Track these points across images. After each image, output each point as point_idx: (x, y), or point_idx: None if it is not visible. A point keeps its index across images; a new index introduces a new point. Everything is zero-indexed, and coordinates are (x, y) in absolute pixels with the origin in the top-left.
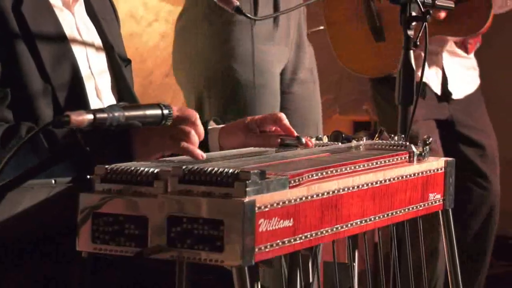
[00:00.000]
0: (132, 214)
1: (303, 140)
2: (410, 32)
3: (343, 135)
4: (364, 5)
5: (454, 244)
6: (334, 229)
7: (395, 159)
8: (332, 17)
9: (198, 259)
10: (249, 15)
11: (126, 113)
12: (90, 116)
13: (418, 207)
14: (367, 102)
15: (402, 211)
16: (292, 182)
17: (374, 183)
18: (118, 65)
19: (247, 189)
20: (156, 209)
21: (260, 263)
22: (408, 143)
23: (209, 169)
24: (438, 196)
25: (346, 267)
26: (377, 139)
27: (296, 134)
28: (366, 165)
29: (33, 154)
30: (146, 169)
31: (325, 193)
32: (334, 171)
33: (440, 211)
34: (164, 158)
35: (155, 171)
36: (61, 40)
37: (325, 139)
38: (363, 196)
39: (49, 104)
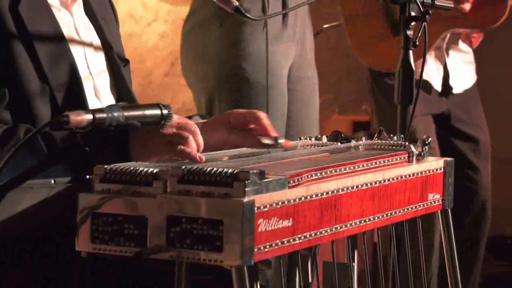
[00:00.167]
0: (132, 214)
1: (281, 140)
2: (410, 32)
3: (343, 135)
4: None
5: (453, 244)
6: (334, 229)
7: (394, 159)
8: (350, 11)
9: (197, 259)
10: (248, 15)
11: (126, 113)
12: (89, 116)
13: (417, 207)
14: (366, 102)
15: (401, 211)
16: (291, 182)
17: (373, 183)
18: (117, 65)
19: (246, 189)
20: (155, 209)
21: (259, 263)
22: (407, 143)
23: (208, 169)
24: (438, 196)
25: (345, 267)
26: (376, 139)
27: (274, 134)
28: (365, 165)
29: (31, 156)
30: (146, 169)
31: (324, 193)
32: (333, 171)
33: (439, 211)
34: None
35: (155, 171)
36: (59, 40)
37: (325, 139)
38: (362, 196)
39: (47, 104)
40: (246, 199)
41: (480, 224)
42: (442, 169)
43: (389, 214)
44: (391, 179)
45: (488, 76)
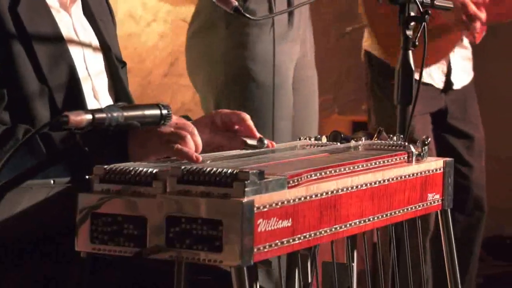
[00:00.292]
0: (131, 214)
1: (265, 142)
2: (409, 32)
3: (342, 135)
4: None
5: (453, 244)
6: (333, 229)
7: (394, 159)
8: (375, 10)
9: (197, 259)
10: (248, 15)
11: (125, 113)
12: (89, 116)
13: (417, 207)
14: (366, 102)
15: (401, 211)
16: (291, 182)
17: (373, 183)
18: (115, 66)
19: (245, 189)
20: (155, 209)
21: (259, 263)
22: (407, 143)
23: (208, 169)
24: (437, 196)
25: (345, 267)
26: (376, 139)
27: (258, 135)
28: (365, 165)
29: (30, 156)
30: (145, 169)
31: (324, 193)
32: (333, 171)
33: (439, 211)
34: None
35: (154, 171)
36: (58, 41)
37: (324, 139)
38: (362, 196)
39: (46, 105)
40: (245, 199)
41: (475, 222)
42: (442, 169)
43: (388, 214)
44: (390, 179)
45: (489, 74)
